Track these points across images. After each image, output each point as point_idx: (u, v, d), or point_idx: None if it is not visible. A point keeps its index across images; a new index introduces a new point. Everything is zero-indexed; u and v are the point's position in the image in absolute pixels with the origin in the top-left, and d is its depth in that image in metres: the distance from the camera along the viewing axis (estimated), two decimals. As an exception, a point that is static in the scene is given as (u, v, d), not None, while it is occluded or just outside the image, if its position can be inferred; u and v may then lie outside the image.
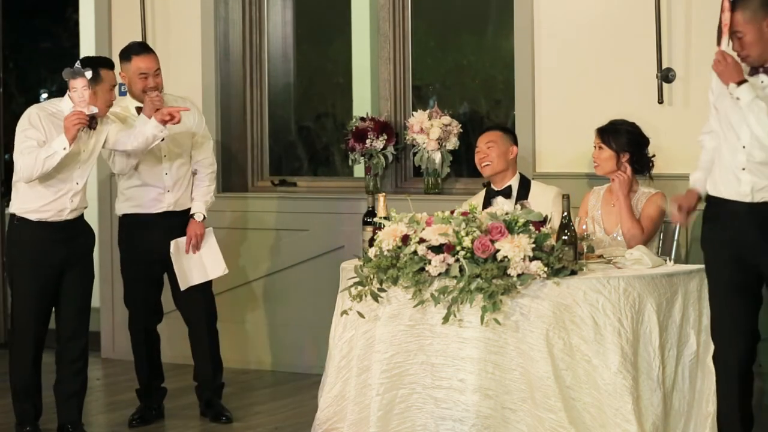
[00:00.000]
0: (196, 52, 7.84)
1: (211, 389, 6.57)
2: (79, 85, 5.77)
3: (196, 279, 6.46)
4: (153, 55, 6.41)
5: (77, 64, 5.82)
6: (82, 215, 6.13)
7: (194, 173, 6.55)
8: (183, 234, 6.44)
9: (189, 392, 6.75)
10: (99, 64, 5.99)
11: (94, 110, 5.81)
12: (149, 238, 6.43)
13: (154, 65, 6.36)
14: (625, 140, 6.09)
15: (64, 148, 5.75)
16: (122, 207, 6.51)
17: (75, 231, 6.06)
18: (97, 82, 5.87)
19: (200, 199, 6.51)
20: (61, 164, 5.85)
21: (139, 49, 6.43)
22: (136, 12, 7.95)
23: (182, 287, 6.44)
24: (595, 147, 6.14)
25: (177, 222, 6.45)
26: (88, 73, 5.79)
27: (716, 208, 5.16)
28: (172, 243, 6.40)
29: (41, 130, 5.85)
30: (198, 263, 6.46)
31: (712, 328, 5.21)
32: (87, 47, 9.43)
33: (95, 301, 8.89)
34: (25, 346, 6.01)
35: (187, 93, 7.75)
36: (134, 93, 6.38)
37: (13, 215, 6.01)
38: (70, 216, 6.00)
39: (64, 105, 5.90)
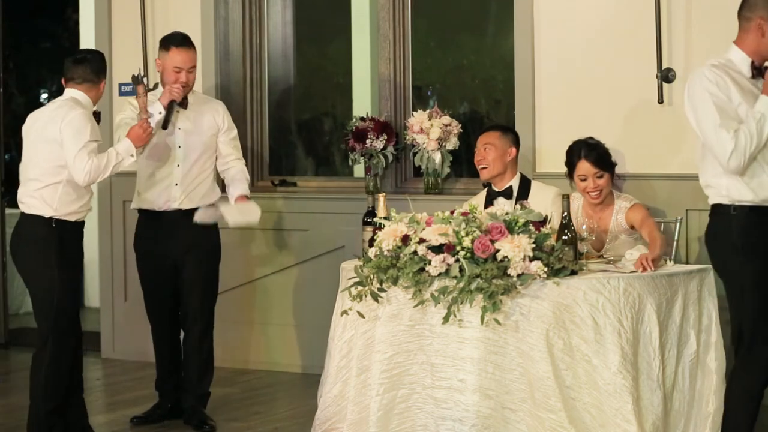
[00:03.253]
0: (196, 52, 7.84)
1: (195, 396, 6.45)
2: (141, 91, 6.07)
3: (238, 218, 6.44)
4: (191, 49, 6.38)
5: (140, 72, 6.11)
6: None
7: (223, 173, 6.50)
8: (194, 237, 6.38)
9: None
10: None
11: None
12: (159, 237, 6.39)
13: (190, 61, 6.33)
14: (606, 152, 6.03)
15: (132, 156, 5.96)
16: (135, 201, 6.49)
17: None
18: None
19: (244, 181, 6.47)
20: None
21: (178, 40, 6.38)
22: (136, 12, 7.95)
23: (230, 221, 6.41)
24: (586, 179, 5.98)
25: (186, 222, 6.36)
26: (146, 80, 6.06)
27: (761, 217, 5.08)
28: (200, 211, 6.36)
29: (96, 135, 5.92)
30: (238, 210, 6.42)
31: (752, 333, 5.11)
32: (87, 47, 9.45)
33: (95, 301, 8.94)
34: (65, 353, 5.87)
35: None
36: (165, 84, 6.36)
37: (50, 218, 5.82)
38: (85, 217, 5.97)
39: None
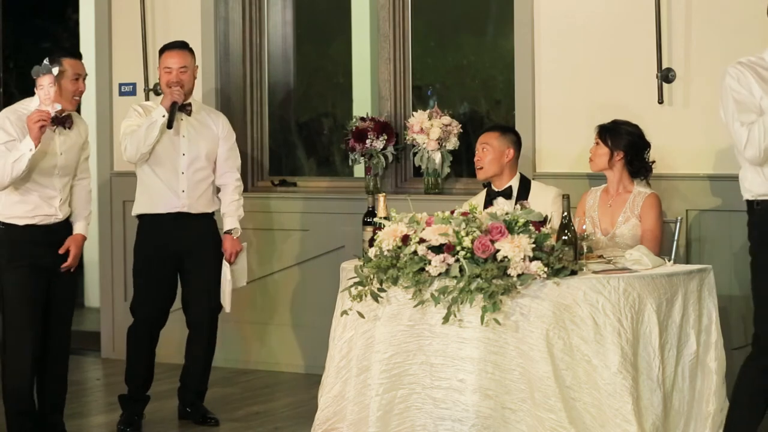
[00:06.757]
0: (196, 52, 7.80)
1: (198, 393, 6.52)
2: (45, 83, 5.64)
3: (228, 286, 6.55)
4: (184, 51, 6.46)
5: (45, 61, 5.69)
6: (68, 221, 6.00)
7: (219, 187, 6.55)
8: (198, 237, 6.45)
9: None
10: (62, 55, 5.89)
11: (58, 107, 5.69)
12: (163, 239, 6.41)
13: (180, 62, 6.40)
14: (623, 141, 6.09)
15: (31, 150, 5.61)
16: (137, 207, 6.49)
17: (64, 236, 5.93)
18: (60, 74, 5.77)
19: (234, 214, 6.54)
20: (39, 170, 5.77)
21: (170, 44, 6.52)
22: (136, 12, 7.96)
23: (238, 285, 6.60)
24: (595, 143, 6.17)
25: (192, 224, 6.43)
26: (55, 70, 5.67)
27: None
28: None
29: (11, 133, 5.73)
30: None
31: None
32: (87, 47, 9.44)
33: (95, 301, 8.94)
34: (21, 353, 5.80)
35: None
36: (162, 89, 6.47)
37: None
38: (58, 220, 5.89)
39: (33, 105, 5.78)
